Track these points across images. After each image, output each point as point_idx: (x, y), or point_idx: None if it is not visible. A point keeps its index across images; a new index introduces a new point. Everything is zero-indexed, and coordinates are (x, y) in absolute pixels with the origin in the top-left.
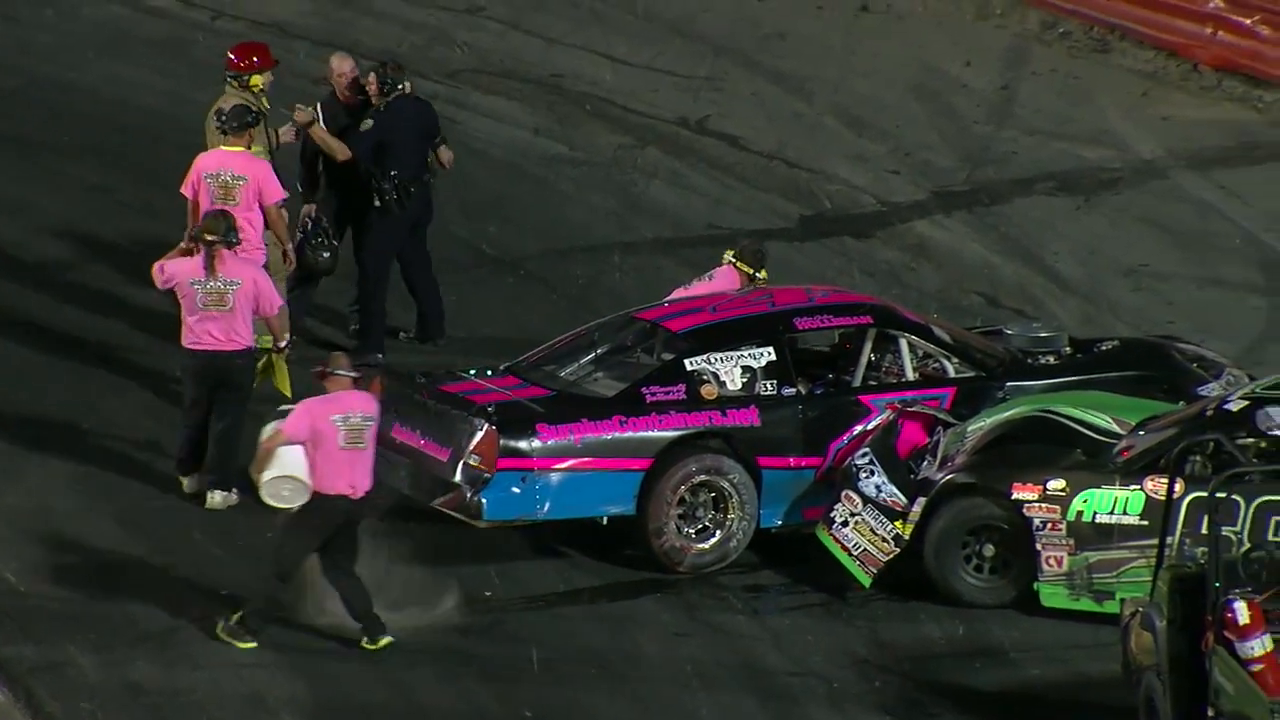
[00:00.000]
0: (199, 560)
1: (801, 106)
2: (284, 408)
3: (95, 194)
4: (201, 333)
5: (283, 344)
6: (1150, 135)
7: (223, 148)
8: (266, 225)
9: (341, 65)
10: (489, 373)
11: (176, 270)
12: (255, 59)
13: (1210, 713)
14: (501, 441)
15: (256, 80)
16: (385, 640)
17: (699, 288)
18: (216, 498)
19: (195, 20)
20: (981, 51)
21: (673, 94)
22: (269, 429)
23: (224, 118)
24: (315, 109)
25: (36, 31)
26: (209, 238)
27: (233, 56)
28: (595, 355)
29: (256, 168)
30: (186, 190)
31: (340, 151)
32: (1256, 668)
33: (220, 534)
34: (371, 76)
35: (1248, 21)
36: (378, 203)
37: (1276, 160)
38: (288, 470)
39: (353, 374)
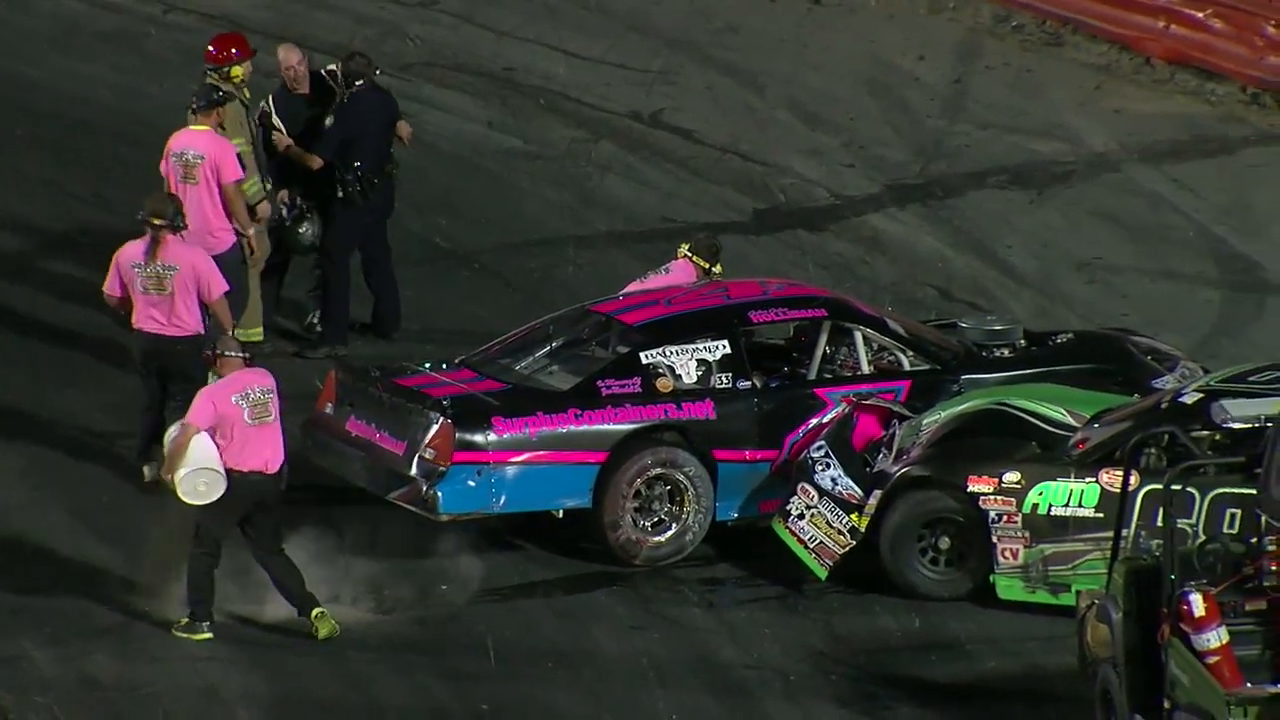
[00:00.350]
0: (154, 553)
1: (754, 100)
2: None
3: (48, 188)
4: (145, 316)
5: (229, 332)
6: (1103, 128)
7: (191, 127)
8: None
9: (289, 56)
10: (444, 366)
11: (121, 255)
12: (234, 50)
13: (1166, 705)
14: (457, 435)
15: (237, 71)
16: (318, 610)
17: (655, 281)
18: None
19: (148, 14)
20: (934, 45)
21: (626, 88)
22: (171, 430)
23: (192, 97)
24: (267, 103)
25: None
26: (155, 221)
27: (212, 49)
28: (550, 349)
29: (215, 146)
30: (163, 168)
31: (314, 161)
32: (1212, 660)
33: (175, 526)
34: (336, 69)
35: (1200, 15)
36: (341, 194)
37: (1228, 153)
38: (201, 463)
39: (242, 354)
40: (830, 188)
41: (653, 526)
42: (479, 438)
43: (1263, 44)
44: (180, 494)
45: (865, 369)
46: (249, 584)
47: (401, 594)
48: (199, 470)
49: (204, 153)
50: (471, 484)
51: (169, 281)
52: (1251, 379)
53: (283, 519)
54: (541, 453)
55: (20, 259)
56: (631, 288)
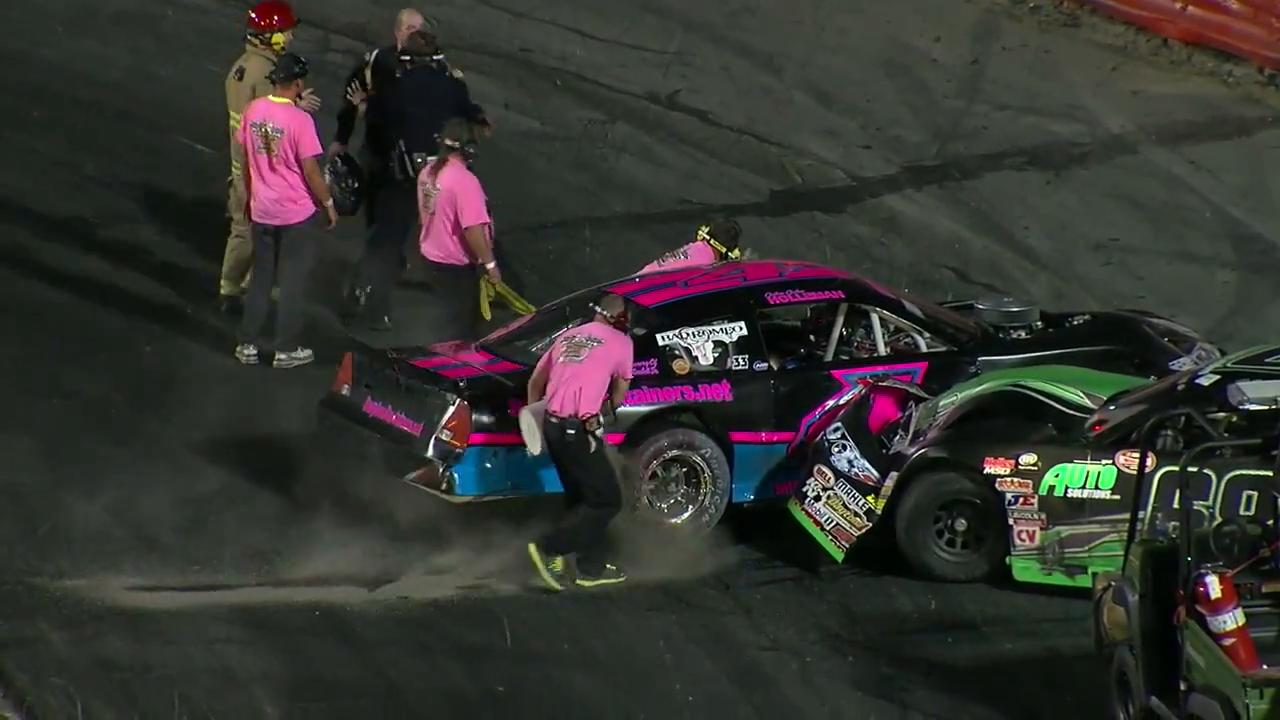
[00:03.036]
0: (169, 534)
1: (771, 81)
2: None
3: (61, 169)
4: (423, 236)
5: (489, 265)
6: (1120, 110)
7: (270, 98)
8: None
9: (413, 20)
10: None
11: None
12: (276, 18)
13: (1182, 687)
14: (474, 416)
15: (278, 39)
16: (561, 561)
17: (672, 264)
18: (281, 359)
19: None
20: (951, 26)
21: (642, 69)
22: None
23: (273, 68)
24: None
25: (2, 6)
26: (447, 142)
27: (254, 15)
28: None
29: (294, 119)
30: (240, 136)
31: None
32: (1228, 642)
33: (191, 508)
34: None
35: None
36: (400, 176)
37: (1246, 134)
38: (529, 409)
39: (600, 309)
40: (847, 169)
41: (669, 508)
42: (496, 419)
43: None
44: None
45: (882, 351)
46: (264, 565)
47: (418, 576)
48: (525, 414)
49: (283, 126)
50: (488, 466)
51: (432, 201)
52: (1268, 360)
53: (584, 472)
54: None
55: (33, 240)
56: (649, 269)
